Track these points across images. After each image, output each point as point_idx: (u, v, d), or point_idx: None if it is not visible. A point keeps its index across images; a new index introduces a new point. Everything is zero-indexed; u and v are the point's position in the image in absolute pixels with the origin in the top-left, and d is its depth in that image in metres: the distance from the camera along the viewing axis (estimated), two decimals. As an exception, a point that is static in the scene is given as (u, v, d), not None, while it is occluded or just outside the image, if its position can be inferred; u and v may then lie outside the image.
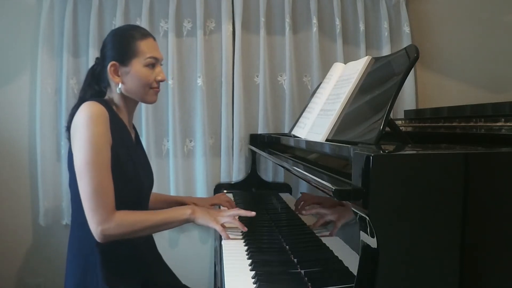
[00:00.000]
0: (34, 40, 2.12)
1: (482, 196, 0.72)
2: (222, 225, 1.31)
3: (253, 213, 1.34)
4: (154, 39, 1.35)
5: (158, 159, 2.16)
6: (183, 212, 1.30)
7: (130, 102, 1.36)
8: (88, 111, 1.20)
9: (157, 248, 1.49)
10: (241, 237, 1.31)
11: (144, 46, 1.30)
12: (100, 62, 1.35)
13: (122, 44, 1.30)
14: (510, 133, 1.08)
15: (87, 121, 1.18)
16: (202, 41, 2.12)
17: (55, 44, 2.11)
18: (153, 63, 1.32)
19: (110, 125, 1.22)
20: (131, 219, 1.22)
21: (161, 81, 1.35)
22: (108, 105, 1.28)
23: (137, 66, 1.29)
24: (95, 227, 1.17)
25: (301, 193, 1.42)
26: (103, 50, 1.34)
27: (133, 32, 1.32)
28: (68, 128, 1.27)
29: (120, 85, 1.30)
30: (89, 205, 1.17)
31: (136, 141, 1.44)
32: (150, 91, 1.33)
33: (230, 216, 1.33)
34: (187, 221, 1.30)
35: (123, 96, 1.33)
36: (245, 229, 1.30)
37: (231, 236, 1.30)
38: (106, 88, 1.34)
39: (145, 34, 1.33)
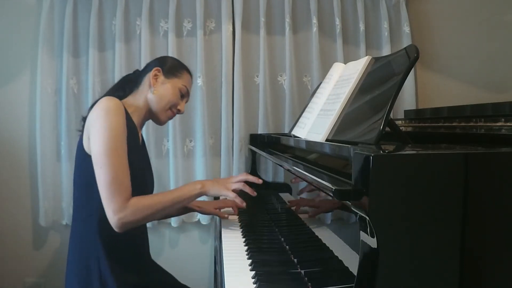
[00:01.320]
0: (34, 40, 2.12)
1: (482, 196, 0.72)
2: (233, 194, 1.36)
3: (260, 181, 1.40)
4: (192, 80, 1.54)
5: (158, 159, 2.16)
6: (194, 187, 1.33)
7: (147, 111, 1.43)
8: (107, 104, 1.25)
9: (156, 248, 1.50)
10: (240, 230, 1.32)
11: (186, 76, 1.48)
12: (139, 72, 1.49)
13: (173, 64, 1.48)
14: (510, 133, 1.08)
15: (106, 112, 1.23)
16: (202, 41, 2.12)
17: (55, 44, 2.11)
18: (184, 93, 1.47)
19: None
20: (146, 203, 1.24)
21: (179, 111, 1.47)
22: (123, 106, 1.32)
23: (173, 84, 1.43)
24: (112, 216, 1.19)
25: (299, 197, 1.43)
26: (150, 63, 1.49)
27: (184, 65, 1.52)
28: (85, 119, 1.31)
29: (153, 88, 1.41)
30: (106, 193, 1.19)
31: (142, 145, 1.48)
32: (168, 111, 1.44)
33: (239, 181, 1.37)
34: (200, 194, 1.34)
35: (146, 101, 1.41)
36: (254, 193, 1.36)
37: (230, 231, 1.32)
38: (132, 91, 1.43)
39: (189, 70, 1.51)
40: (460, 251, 0.71)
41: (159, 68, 1.43)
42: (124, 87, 1.47)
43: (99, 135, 1.21)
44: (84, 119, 1.32)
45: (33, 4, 2.14)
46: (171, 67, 1.45)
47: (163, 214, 1.37)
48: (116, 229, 1.20)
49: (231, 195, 1.34)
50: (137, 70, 1.53)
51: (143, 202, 1.23)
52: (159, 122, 1.46)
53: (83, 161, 1.25)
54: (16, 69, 2.16)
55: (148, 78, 1.42)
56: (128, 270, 1.29)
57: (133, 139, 1.32)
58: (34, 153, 2.12)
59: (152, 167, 1.53)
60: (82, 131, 1.30)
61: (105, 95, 1.42)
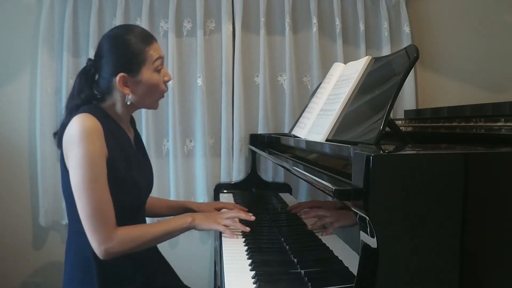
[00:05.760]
0: (34, 40, 2.12)
1: (482, 196, 0.72)
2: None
3: (252, 218, 1.35)
4: (156, 39, 1.30)
5: (158, 159, 2.15)
6: (184, 220, 1.30)
7: (131, 109, 1.33)
8: (81, 126, 1.15)
9: (159, 249, 1.48)
10: (241, 235, 1.32)
11: (151, 50, 1.25)
12: (96, 66, 1.27)
13: (129, 54, 1.23)
14: (510, 133, 1.08)
15: (80, 137, 1.14)
16: (202, 41, 2.12)
17: (55, 44, 2.11)
18: (161, 65, 1.28)
19: (105, 136, 1.18)
20: (133, 235, 1.20)
21: (168, 81, 1.31)
22: (103, 112, 1.24)
23: (147, 73, 1.25)
24: (97, 246, 1.15)
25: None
26: (100, 58, 1.26)
27: (136, 40, 1.24)
28: (57, 135, 1.25)
29: (130, 95, 1.25)
30: (90, 225, 1.14)
31: (136, 142, 1.41)
32: (159, 97, 1.32)
33: (230, 218, 1.34)
34: (188, 228, 1.30)
35: (126, 104, 1.28)
36: (247, 229, 1.31)
37: (231, 234, 1.31)
38: (105, 95, 1.27)
39: (147, 39, 1.26)
40: (460, 251, 0.71)
41: (122, 74, 1.22)
42: (84, 88, 1.27)
43: (76, 164, 1.14)
44: (62, 125, 1.23)
45: (33, 4, 2.14)
46: (131, 59, 1.23)
47: (152, 245, 1.31)
48: (101, 258, 1.16)
49: (222, 229, 1.31)
50: (90, 60, 1.29)
51: (130, 234, 1.19)
52: (154, 109, 1.36)
53: (67, 175, 1.20)
54: (16, 69, 2.16)
55: (117, 86, 1.23)
56: (124, 280, 1.26)
57: (121, 147, 1.26)
58: (34, 153, 2.12)
59: (152, 167, 1.50)
60: (60, 134, 1.23)
61: (70, 98, 1.29)
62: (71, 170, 1.17)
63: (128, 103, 1.27)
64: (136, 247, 1.21)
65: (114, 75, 1.23)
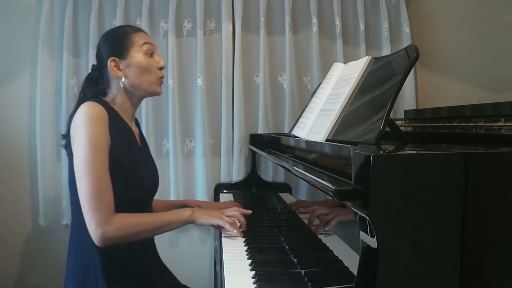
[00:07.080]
0: (34, 40, 2.12)
1: (482, 196, 0.72)
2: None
3: (249, 211, 1.37)
4: (145, 32, 1.39)
5: (158, 159, 2.14)
6: (183, 213, 1.30)
7: (133, 99, 1.35)
8: (86, 111, 1.19)
9: (157, 249, 1.48)
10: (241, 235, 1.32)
11: (137, 37, 1.34)
12: (97, 68, 1.37)
13: (116, 40, 1.33)
14: (510, 133, 1.08)
15: (85, 121, 1.18)
16: (202, 41, 2.12)
17: (55, 44, 2.11)
18: (151, 50, 1.34)
19: (110, 127, 1.22)
20: (131, 222, 1.20)
21: (162, 67, 1.36)
22: (108, 105, 1.27)
23: (136, 56, 1.31)
24: (94, 230, 1.15)
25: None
26: (98, 53, 1.36)
27: (124, 28, 1.37)
28: (66, 135, 1.27)
29: (123, 79, 1.31)
30: (88, 206, 1.15)
31: (141, 141, 1.42)
32: (155, 80, 1.34)
33: (231, 216, 1.34)
34: (187, 222, 1.30)
35: (126, 93, 1.33)
36: (241, 234, 1.31)
37: (230, 235, 1.31)
38: (106, 89, 1.34)
39: (136, 28, 1.38)
40: (460, 251, 0.71)
41: (113, 58, 1.30)
42: (90, 86, 1.36)
43: (80, 146, 1.17)
44: (70, 119, 1.26)
45: (33, 4, 2.14)
46: (119, 43, 1.31)
47: (149, 235, 1.31)
48: (97, 243, 1.16)
49: (222, 223, 1.29)
50: (94, 65, 1.40)
51: (128, 221, 1.19)
52: (154, 94, 1.37)
53: (72, 164, 1.21)
54: (16, 69, 2.16)
55: (111, 72, 1.31)
56: (127, 274, 1.26)
57: (125, 141, 1.28)
58: (34, 153, 2.12)
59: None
60: (67, 134, 1.26)
61: (80, 94, 1.36)
62: (74, 153, 1.20)
63: (122, 85, 1.31)
64: (133, 235, 1.21)
65: (106, 62, 1.31)
